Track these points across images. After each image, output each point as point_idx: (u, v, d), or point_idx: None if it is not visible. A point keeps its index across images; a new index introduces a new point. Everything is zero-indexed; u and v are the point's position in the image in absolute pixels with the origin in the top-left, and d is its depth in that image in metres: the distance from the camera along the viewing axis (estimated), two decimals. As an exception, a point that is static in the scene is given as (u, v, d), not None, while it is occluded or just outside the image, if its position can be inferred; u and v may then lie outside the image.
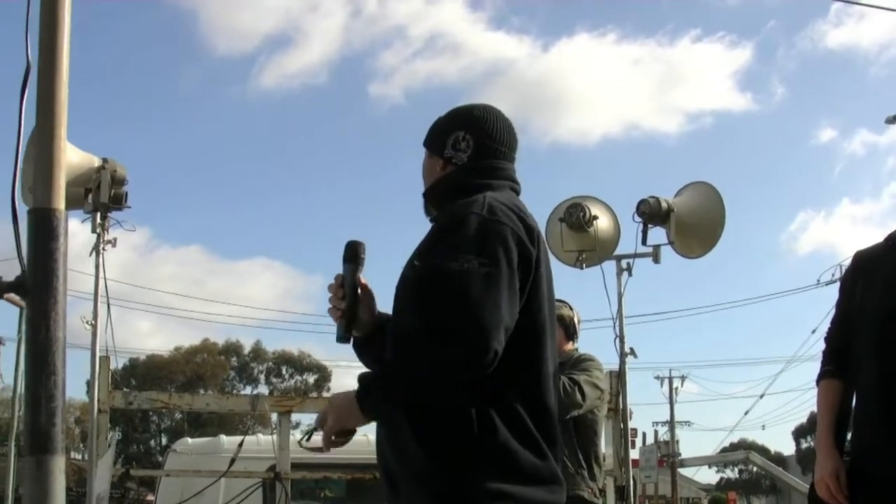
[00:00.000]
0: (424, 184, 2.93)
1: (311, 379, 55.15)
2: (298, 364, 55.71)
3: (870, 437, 3.51)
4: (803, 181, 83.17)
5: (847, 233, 72.51)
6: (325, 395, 42.56)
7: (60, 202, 1.94)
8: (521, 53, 76.81)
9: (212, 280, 73.93)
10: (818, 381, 3.78)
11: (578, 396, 4.78)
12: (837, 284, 3.92)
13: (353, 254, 2.86)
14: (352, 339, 2.90)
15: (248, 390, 51.69)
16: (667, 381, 44.38)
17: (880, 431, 3.45)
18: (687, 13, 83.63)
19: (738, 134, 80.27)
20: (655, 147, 76.88)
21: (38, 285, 2.00)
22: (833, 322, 3.80)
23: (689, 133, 77.69)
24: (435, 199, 2.87)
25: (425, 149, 2.95)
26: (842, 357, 3.68)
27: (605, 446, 6.46)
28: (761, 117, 78.24)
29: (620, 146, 77.61)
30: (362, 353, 2.92)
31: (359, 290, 2.86)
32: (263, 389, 52.89)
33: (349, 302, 2.84)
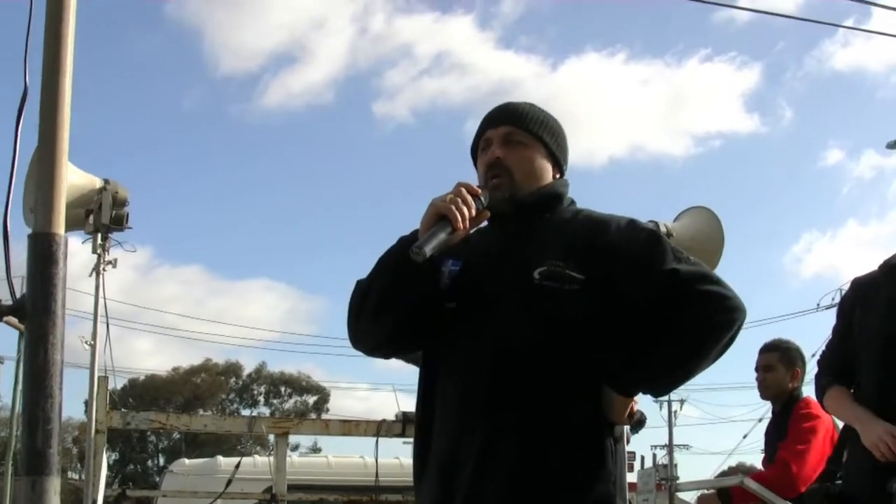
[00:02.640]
0: (527, 175, 2.72)
1: (311, 400, 55.04)
2: (298, 385, 55.58)
3: (865, 459, 3.55)
4: (809, 203, 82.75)
5: (852, 255, 72.16)
6: (323, 416, 42.41)
7: (60, 227, 1.95)
8: (528, 73, 76.42)
9: (213, 300, 73.72)
10: (823, 393, 3.84)
11: None
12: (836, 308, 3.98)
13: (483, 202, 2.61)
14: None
15: (247, 411, 51.63)
16: (665, 404, 44.35)
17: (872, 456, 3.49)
18: (696, 33, 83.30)
19: (745, 156, 79.98)
20: (662, 169, 76.70)
21: (36, 309, 2.01)
22: (830, 345, 3.86)
23: (695, 156, 77.41)
24: (548, 200, 2.75)
25: (541, 143, 2.77)
26: (842, 376, 3.73)
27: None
28: (769, 139, 77.94)
29: (627, 168, 77.42)
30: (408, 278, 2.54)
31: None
32: (264, 411, 52.82)
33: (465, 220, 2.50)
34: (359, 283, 2.71)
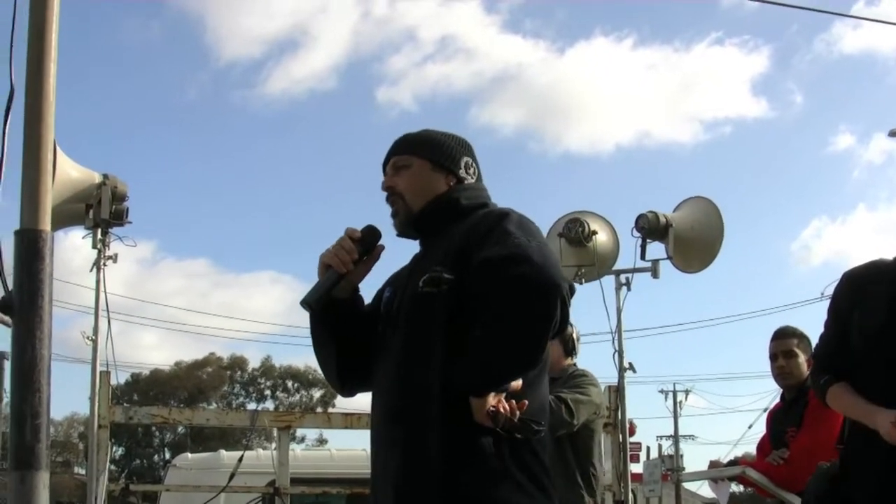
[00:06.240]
0: (415, 194, 2.93)
1: (317, 394, 55.09)
2: (304, 379, 55.63)
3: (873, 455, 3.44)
4: (819, 188, 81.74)
5: (861, 241, 71.12)
6: (330, 410, 42.51)
7: (47, 223, 1.97)
8: (535, 58, 74.97)
9: (218, 293, 73.58)
10: (824, 391, 3.63)
11: (565, 414, 4.78)
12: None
13: (375, 237, 2.92)
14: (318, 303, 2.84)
15: (253, 405, 51.70)
16: (671, 394, 44.36)
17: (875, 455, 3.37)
18: (705, 17, 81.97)
19: (754, 142, 79.05)
20: (670, 156, 75.84)
21: (23, 305, 2.04)
22: (825, 342, 3.71)
23: (704, 143, 76.37)
24: (445, 209, 2.91)
25: (425, 161, 2.96)
26: (840, 376, 3.58)
27: (604, 461, 6.46)
28: (778, 124, 76.89)
29: (634, 156, 76.61)
30: (326, 319, 2.89)
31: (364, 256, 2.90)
32: (269, 405, 52.90)
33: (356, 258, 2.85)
34: None
